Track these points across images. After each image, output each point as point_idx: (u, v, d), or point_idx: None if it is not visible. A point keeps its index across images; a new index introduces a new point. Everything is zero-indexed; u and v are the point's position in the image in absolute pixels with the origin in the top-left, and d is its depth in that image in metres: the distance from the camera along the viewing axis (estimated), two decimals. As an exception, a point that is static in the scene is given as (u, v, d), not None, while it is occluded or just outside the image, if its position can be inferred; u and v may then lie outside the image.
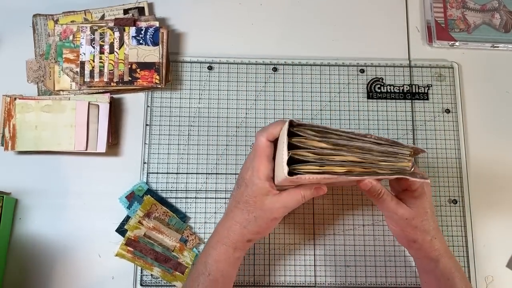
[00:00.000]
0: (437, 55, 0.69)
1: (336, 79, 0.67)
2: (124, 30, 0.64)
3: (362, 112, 0.66)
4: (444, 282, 0.51)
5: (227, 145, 0.64)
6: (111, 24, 0.65)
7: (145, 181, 0.63)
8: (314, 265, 0.61)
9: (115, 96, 0.65)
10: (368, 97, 0.66)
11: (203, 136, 0.64)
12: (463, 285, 0.51)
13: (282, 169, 0.44)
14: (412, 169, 0.48)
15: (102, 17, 0.67)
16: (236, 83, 0.67)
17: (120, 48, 0.64)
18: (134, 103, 0.65)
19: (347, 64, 0.67)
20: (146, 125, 0.64)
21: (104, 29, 0.64)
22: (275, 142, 0.48)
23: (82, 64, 0.63)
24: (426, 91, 0.67)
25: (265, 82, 0.67)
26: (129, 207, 0.61)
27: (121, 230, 0.61)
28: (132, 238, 0.59)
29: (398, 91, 0.66)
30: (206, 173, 0.63)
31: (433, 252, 0.52)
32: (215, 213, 0.62)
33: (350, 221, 0.62)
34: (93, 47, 0.64)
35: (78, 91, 0.64)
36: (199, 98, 0.66)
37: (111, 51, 0.64)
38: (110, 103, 0.63)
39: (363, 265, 0.61)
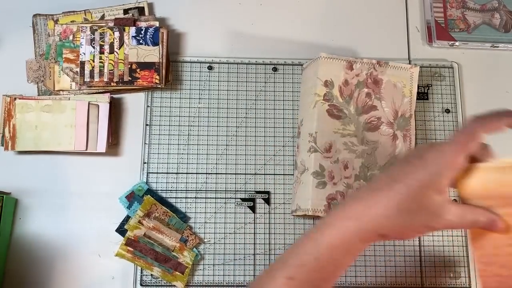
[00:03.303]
0: (437, 55, 0.69)
1: (336, 79, 0.67)
2: (124, 30, 0.64)
3: (362, 112, 0.66)
4: None
5: (227, 145, 0.64)
6: (111, 24, 0.65)
7: (145, 181, 0.63)
8: (314, 265, 0.61)
9: (115, 96, 0.65)
10: (368, 97, 0.66)
11: (203, 136, 0.64)
12: None
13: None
14: None
15: (102, 17, 0.67)
16: (236, 83, 0.67)
17: (120, 48, 0.64)
18: (134, 103, 0.65)
19: (347, 64, 0.67)
20: (146, 125, 0.64)
21: (104, 29, 0.64)
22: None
23: (82, 64, 0.63)
24: (426, 91, 0.67)
25: (265, 82, 0.67)
26: (129, 207, 0.61)
27: (121, 230, 0.61)
28: (132, 238, 0.59)
29: (398, 91, 0.66)
30: (206, 173, 0.63)
31: None
32: (215, 213, 0.62)
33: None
34: (93, 47, 0.64)
35: (78, 91, 0.64)
36: (199, 98, 0.66)
37: (111, 51, 0.64)
38: (110, 103, 0.63)
39: (363, 265, 0.61)
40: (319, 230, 0.40)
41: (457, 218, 0.37)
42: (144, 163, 0.63)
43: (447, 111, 0.66)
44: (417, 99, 0.63)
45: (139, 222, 0.60)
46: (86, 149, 0.61)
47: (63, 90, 0.64)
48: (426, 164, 0.37)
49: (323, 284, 0.40)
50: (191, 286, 0.60)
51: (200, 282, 0.60)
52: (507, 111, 0.39)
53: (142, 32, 0.64)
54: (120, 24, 0.65)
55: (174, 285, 0.59)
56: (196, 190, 0.63)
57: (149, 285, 0.59)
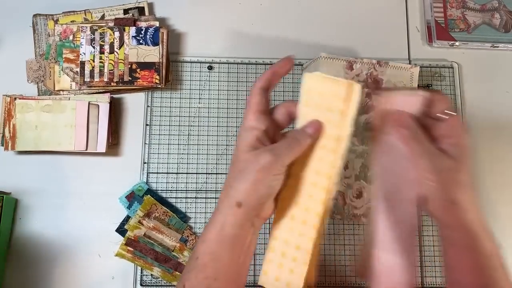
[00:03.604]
0: (437, 55, 0.69)
1: (336, 79, 0.67)
2: (124, 30, 0.64)
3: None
4: (484, 260, 0.42)
5: (227, 145, 0.64)
6: (111, 24, 0.65)
7: (145, 181, 0.63)
8: (314, 265, 0.61)
9: (115, 96, 0.65)
10: (368, 97, 0.66)
11: (203, 136, 0.64)
12: (504, 271, 0.42)
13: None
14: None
15: (102, 17, 0.67)
16: (236, 83, 0.67)
17: (120, 48, 0.64)
18: (134, 103, 0.66)
19: (347, 64, 0.67)
20: (146, 125, 0.64)
21: (104, 29, 0.64)
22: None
23: (82, 64, 0.63)
24: (426, 91, 0.67)
25: (265, 82, 0.67)
26: (129, 207, 0.61)
27: (121, 230, 0.61)
28: (132, 238, 0.59)
29: (398, 91, 0.66)
30: (206, 173, 0.63)
31: (474, 220, 0.42)
32: (215, 213, 0.62)
33: (350, 221, 0.62)
34: (93, 47, 0.64)
35: (78, 91, 0.64)
36: (199, 98, 0.66)
37: (111, 51, 0.64)
38: (110, 103, 0.63)
39: (363, 265, 0.61)
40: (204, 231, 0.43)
41: (273, 146, 0.42)
42: (144, 163, 0.63)
43: (447, 111, 0.66)
44: (417, 99, 0.63)
45: (139, 222, 0.60)
46: (86, 149, 0.61)
47: (63, 90, 0.64)
48: (238, 138, 0.43)
49: (213, 283, 0.41)
50: (191, 286, 0.60)
51: (200, 282, 0.60)
52: (275, 65, 0.44)
53: (142, 32, 0.64)
54: (120, 24, 0.65)
55: (174, 285, 0.59)
56: (196, 190, 0.63)
57: (149, 285, 0.59)
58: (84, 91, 0.64)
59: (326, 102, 0.43)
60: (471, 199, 0.43)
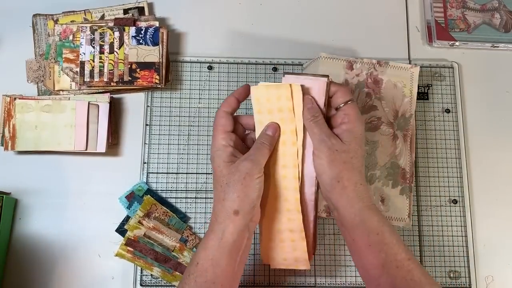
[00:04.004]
0: (437, 55, 0.69)
1: (336, 79, 0.67)
2: (124, 30, 0.64)
3: (362, 112, 0.66)
4: (374, 237, 0.47)
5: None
6: (111, 24, 0.65)
7: (145, 181, 0.63)
8: (314, 265, 0.61)
9: (115, 96, 0.65)
10: (368, 97, 0.66)
11: (203, 136, 0.64)
12: (393, 239, 0.47)
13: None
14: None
15: (102, 17, 0.67)
16: (236, 83, 0.67)
17: (120, 48, 0.64)
18: (134, 103, 0.65)
19: (347, 64, 0.67)
20: (146, 125, 0.64)
21: (104, 29, 0.64)
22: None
23: (82, 64, 0.63)
24: (426, 91, 0.67)
25: (265, 82, 0.67)
26: (129, 207, 0.61)
27: (121, 230, 0.61)
28: (132, 238, 0.59)
29: (398, 91, 0.66)
30: (206, 173, 0.63)
31: (360, 200, 0.48)
32: (215, 213, 0.62)
33: (350, 221, 0.62)
34: (93, 47, 0.64)
35: (78, 91, 0.64)
36: (199, 98, 0.66)
37: (111, 51, 0.64)
38: (110, 103, 0.63)
39: (363, 265, 0.61)
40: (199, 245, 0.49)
41: (248, 154, 0.49)
42: (144, 163, 0.63)
43: (447, 111, 0.66)
44: (417, 99, 0.63)
45: (139, 222, 0.60)
46: (86, 149, 0.61)
47: (63, 90, 0.64)
48: (212, 162, 0.50)
49: (211, 286, 0.46)
50: (191, 286, 0.60)
51: (200, 282, 0.60)
52: (235, 93, 0.52)
53: (142, 32, 0.64)
54: (120, 24, 0.65)
55: (174, 285, 0.59)
56: (196, 190, 0.63)
57: (149, 285, 0.59)
58: (84, 91, 0.64)
59: (275, 105, 0.49)
60: (355, 179, 0.48)
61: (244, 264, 0.50)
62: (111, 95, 0.63)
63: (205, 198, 0.63)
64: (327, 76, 0.49)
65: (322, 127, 0.49)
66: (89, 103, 0.62)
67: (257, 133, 0.51)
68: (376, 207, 0.49)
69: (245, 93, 0.52)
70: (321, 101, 0.49)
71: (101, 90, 0.64)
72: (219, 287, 0.46)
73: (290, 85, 0.48)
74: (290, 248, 0.52)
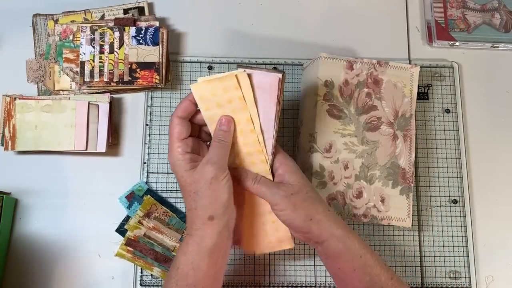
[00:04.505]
0: (437, 55, 0.69)
1: (336, 79, 0.67)
2: (124, 30, 0.64)
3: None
4: (357, 261, 0.47)
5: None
6: (111, 24, 0.65)
7: (145, 181, 0.63)
8: (314, 265, 0.61)
9: (115, 96, 0.65)
10: (368, 97, 0.66)
11: (203, 136, 0.64)
12: (375, 260, 0.48)
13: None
14: None
15: (102, 17, 0.67)
16: (236, 83, 0.66)
17: (120, 48, 0.64)
18: (134, 103, 0.65)
19: (347, 64, 0.67)
20: (146, 125, 0.64)
21: (104, 29, 0.64)
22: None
23: (82, 64, 0.63)
24: (426, 91, 0.67)
25: (265, 82, 0.67)
26: (129, 207, 0.61)
27: (121, 230, 0.61)
28: (132, 238, 0.59)
29: (398, 91, 0.66)
30: (206, 173, 0.63)
31: (337, 225, 0.48)
32: (215, 213, 0.62)
33: (350, 221, 0.62)
34: (93, 47, 0.64)
35: (78, 91, 0.64)
36: (199, 98, 0.66)
37: (111, 51, 0.64)
38: (110, 103, 0.63)
39: (363, 265, 0.61)
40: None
41: (208, 157, 0.48)
42: (144, 163, 0.63)
43: (447, 111, 0.66)
44: (417, 99, 0.63)
45: (139, 222, 0.60)
46: (86, 149, 0.61)
47: (63, 90, 0.64)
48: (174, 174, 0.49)
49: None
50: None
51: (200, 282, 0.60)
52: (190, 95, 0.49)
53: (142, 32, 0.64)
54: (120, 24, 0.65)
55: (174, 285, 0.59)
56: (196, 190, 0.63)
57: (149, 285, 0.59)
58: (84, 91, 0.64)
59: (223, 97, 0.48)
60: (322, 208, 0.49)
61: (225, 264, 0.50)
62: (111, 95, 0.63)
63: (205, 198, 0.62)
64: (282, 72, 0.48)
65: (267, 184, 0.49)
66: (89, 103, 0.62)
67: (211, 130, 0.50)
68: (351, 228, 0.50)
69: None
70: (273, 96, 0.49)
71: (101, 90, 0.64)
72: None
73: (236, 74, 0.47)
74: (272, 230, 0.53)
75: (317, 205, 0.49)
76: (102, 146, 0.61)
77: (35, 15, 0.67)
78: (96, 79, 0.63)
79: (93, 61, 0.63)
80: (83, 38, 0.64)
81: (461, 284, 0.61)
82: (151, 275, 0.59)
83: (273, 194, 0.48)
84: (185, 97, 0.49)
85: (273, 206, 0.49)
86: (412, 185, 0.60)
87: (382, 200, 0.59)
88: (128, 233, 0.60)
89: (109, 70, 0.63)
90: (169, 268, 0.49)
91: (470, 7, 0.70)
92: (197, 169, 0.47)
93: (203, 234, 0.47)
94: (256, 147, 0.50)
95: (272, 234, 0.53)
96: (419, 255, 0.61)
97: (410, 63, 0.66)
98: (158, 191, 0.62)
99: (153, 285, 0.59)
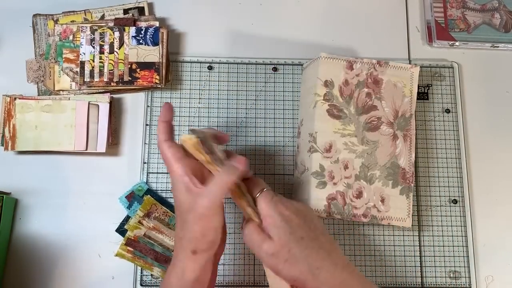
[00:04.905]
0: (437, 55, 0.69)
1: (336, 79, 0.67)
2: (124, 30, 0.64)
3: (362, 112, 0.66)
4: None
5: (227, 145, 0.64)
6: (111, 24, 0.65)
7: (145, 181, 0.63)
8: (314, 265, 0.61)
9: (115, 96, 0.65)
10: (368, 97, 0.66)
11: (203, 136, 0.64)
12: None
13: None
14: None
15: (102, 17, 0.67)
16: (236, 83, 0.67)
17: (120, 48, 0.64)
18: (134, 103, 0.66)
19: (347, 64, 0.67)
20: (146, 125, 0.64)
21: (104, 29, 0.64)
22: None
23: (82, 64, 0.63)
24: (426, 91, 0.67)
25: (265, 82, 0.67)
26: (129, 207, 0.61)
27: (121, 230, 0.61)
28: (132, 238, 0.59)
29: (398, 91, 0.66)
30: (206, 173, 0.63)
31: (336, 267, 0.45)
32: (215, 213, 0.62)
33: (350, 221, 0.62)
34: (93, 47, 0.64)
35: (78, 91, 0.64)
36: (199, 98, 0.66)
37: (111, 51, 0.64)
38: (110, 103, 0.63)
39: (363, 265, 0.61)
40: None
41: (208, 191, 0.44)
42: (144, 163, 0.63)
43: (447, 111, 0.66)
44: (417, 99, 0.63)
45: (139, 222, 0.60)
46: (86, 149, 0.61)
47: (63, 90, 0.64)
48: (174, 187, 0.47)
49: None
50: (191, 286, 0.60)
51: (200, 282, 0.60)
52: (161, 116, 0.49)
53: (142, 32, 0.64)
54: (120, 24, 0.65)
55: (174, 285, 0.59)
56: (196, 190, 0.63)
57: (149, 285, 0.59)
58: (84, 91, 0.64)
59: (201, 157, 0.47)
60: (308, 271, 0.43)
61: None
62: (111, 95, 0.63)
63: (205, 198, 0.62)
64: (197, 138, 0.46)
65: (255, 234, 0.45)
66: (89, 103, 0.62)
67: (213, 171, 0.47)
68: (351, 264, 0.46)
69: (171, 113, 0.50)
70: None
71: (101, 90, 0.64)
72: None
73: (186, 140, 0.46)
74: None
75: (301, 266, 0.44)
76: (102, 146, 0.61)
77: (35, 15, 0.67)
78: (96, 79, 0.63)
79: (93, 61, 0.63)
80: (83, 38, 0.64)
81: (461, 284, 0.61)
82: (151, 275, 0.59)
83: (258, 247, 0.45)
84: (159, 119, 0.49)
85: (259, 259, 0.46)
86: (412, 185, 0.60)
87: (382, 200, 0.59)
88: (128, 233, 0.60)
89: (109, 70, 0.63)
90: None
91: (470, 7, 0.70)
92: (193, 198, 0.44)
93: (185, 268, 0.45)
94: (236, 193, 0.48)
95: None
96: (419, 255, 0.62)
97: (410, 63, 0.66)
98: (158, 191, 0.62)
99: (153, 285, 0.59)
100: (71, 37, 0.65)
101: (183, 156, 0.46)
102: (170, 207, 0.62)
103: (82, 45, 0.64)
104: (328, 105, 0.60)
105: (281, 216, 0.45)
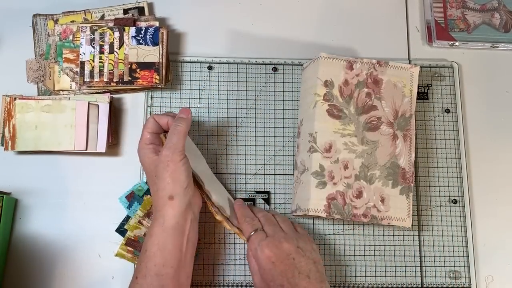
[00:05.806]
0: (437, 55, 0.69)
1: (336, 79, 0.67)
2: (124, 30, 0.64)
3: (362, 112, 0.66)
4: None
5: (227, 145, 0.64)
6: (111, 24, 0.65)
7: (145, 181, 0.63)
8: (314, 265, 0.61)
9: (115, 96, 0.65)
10: (368, 97, 0.66)
11: (203, 136, 0.64)
12: None
13: None
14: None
15: (102, 17, 0.67)
16: (236, 83, 0.67)
17: (120, 48, 0.64)
18: (134, 103, 0.66)
19: (347, 64, 0.67)
20: (146, 125, 0.64)
21: (104, 29, 0.64)
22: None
23: (82, 64, 0.63)
24: (426, 91, 0.67)
25: (265, 82, 0.67)
26: (129, 207, 0.61)
27: (121, 230, 0.61)
28: (132, 238, 0.59)
29: (398, 91, 0.66)
30: (206, 173, 0.63)
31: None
32: (215, 213, 0.62)
33: (350, 221, 0.62)
34: (93, 47, 0.64)
35: (78, 91, 0.64)
36: (199, 98, 0.66)
37: (111, 51, 0.64)
38: (110, 103, 0.63)
39: (363, 265, 0.61)
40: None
41: (169, 140, 0.51)
42: (144, 163, 0.63)
43: (447, 111, 0.66)
44: (417, 99, 0.63)
45: (139, 222, 0.60)
46: (86, 149, 0.61)
47: (63, 90, 0.64)
48: (140, 153, 0.56)
49: (162, 269, 0.49)
50: (190, 286, 0.59)
51: (200, 282, 0.60)
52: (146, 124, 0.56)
53: (142, 32, 0.64)
54: (120, 24, 0.65)
55: (174, 285, 0.59)
56: (196, 190, 0.63)
57: (149, 285, 0.59)
58: (84, 91, 0.64)
59: None
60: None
61: (194, 247, 0.53)
62: (111, 95, 0.63)
63: (205, 198, 0.63)
64: None
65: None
66: (89, 103, 0.62)
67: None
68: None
69: (154, 124, 0.56)
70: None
71: (101, 90, 0.64)
72: (169, 269, 0.49)
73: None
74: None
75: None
76: (102, 146, 0.61)
77: (35, 15, 0.67)
78: (96, 79, 0.63)
79: (93, 61, 0.63)
80: (83, 38, 0.64)
81: (461, 284, 0.61)
82: (151, 275, 0.59)
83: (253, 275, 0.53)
84: (153, 118, 0.56)
85: None
86: (412, 185, 0.60)
87: (382, 200, 0.59)
88: (128, 233, 0.60)
89: (109, 70, 0.63)
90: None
91: (470, 7, 0.70)
92: (157, 155, 0.52)
93: (165, 214, 0.50)
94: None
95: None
96: (419, 255, 0.62)
97: (410, 63, 0.66)
98: (158, 191, 0.62)
99: (153, 285, 0.59)
100: (71, 37, 0.65)
101: (155, 132, 0.55)
102: (170, 207, 0.61)
103: (82, 45, 0.64)
104: (328, 105, 0.60)
105: (264, 262, 0.50)
